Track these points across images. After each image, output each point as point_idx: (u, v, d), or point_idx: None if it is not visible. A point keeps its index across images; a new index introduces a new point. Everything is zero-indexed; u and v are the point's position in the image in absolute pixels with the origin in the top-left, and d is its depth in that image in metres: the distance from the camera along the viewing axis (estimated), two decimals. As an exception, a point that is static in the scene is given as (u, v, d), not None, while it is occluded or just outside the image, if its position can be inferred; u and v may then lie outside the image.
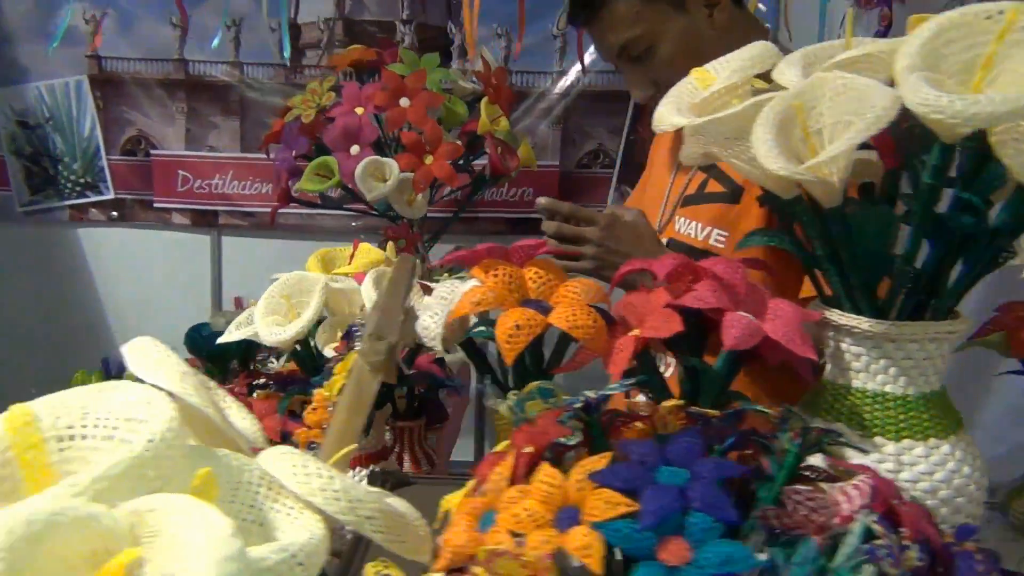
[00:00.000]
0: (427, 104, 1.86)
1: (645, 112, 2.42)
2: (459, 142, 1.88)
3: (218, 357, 1.39)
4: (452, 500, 0.59)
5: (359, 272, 1.25)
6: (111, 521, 0.43)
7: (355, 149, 1.86)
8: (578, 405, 0.59)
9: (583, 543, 0.47)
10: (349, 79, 1.99)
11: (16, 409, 0.50)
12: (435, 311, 0.78)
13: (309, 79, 2.24)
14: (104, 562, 0.42)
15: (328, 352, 1.12)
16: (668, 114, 0.79)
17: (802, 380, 0.72)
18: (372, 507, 0.50)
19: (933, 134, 0.62)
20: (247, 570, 0.40)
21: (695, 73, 0.81)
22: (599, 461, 0.51)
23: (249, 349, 1.45)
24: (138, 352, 0.59)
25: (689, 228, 1.20)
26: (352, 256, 1.30)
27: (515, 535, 0.50)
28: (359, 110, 1.87)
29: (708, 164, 1.20)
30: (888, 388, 0.72)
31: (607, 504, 0.48)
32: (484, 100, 1.94)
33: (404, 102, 1.87)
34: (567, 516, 0.50)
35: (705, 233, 1.18)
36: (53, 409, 0.50)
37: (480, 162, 2.00)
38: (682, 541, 0.47)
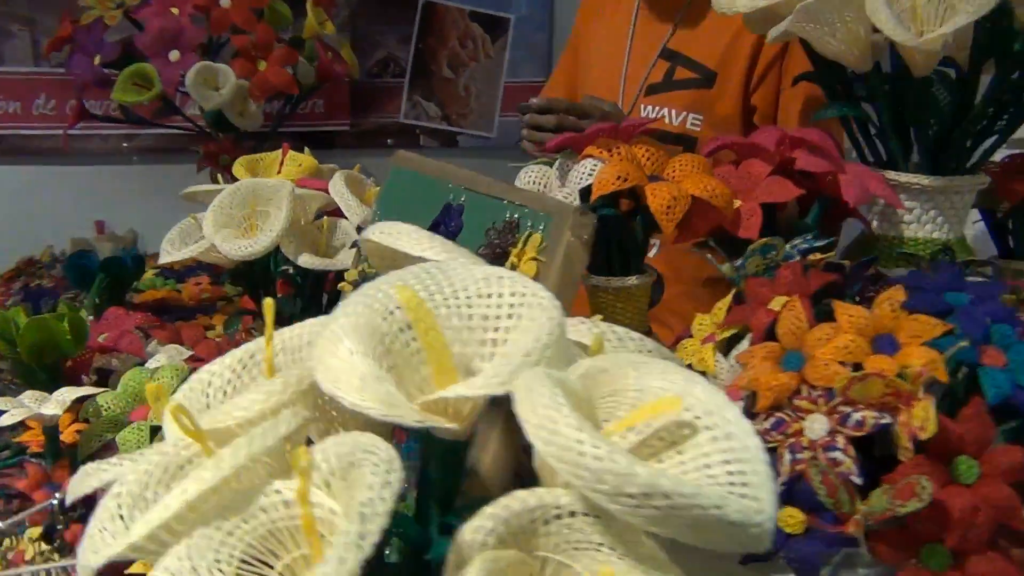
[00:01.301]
0: (251, 4, 1.72)
1: (433, 19, 2.42)
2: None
3: (116, 283, 1.23)
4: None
5: (302, 179, 1.17)
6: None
7: (175, 55, 1.68)
8: (797, 258, 0.65)
9: (927, 358, 0.54)
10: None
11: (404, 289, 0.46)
12: (565, 193, 0.78)
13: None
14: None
15: (308, 263, 1.05)
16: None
17: None
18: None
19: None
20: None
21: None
22: (898, 292, 0.57)
23: (137, 272, 1.30)
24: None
25: (661, 115, 1.27)
26: (282, 163, 1.20)
27: (844, 364, 0.55)
28: (174, 10, 1.68)
29: (672, 52, 1.27)
30: (935, 235, 0.86)
31: (926, 326, 0.55)
32: (309, 2, 1.83)
33: (225, 1, 1.71)
34: (887, 342, 0.56)
35: (680, 118, 1.25)
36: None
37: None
38: (994, 348, 0.56)
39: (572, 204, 0.66)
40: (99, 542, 0.41)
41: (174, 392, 0.82)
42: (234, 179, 1.20)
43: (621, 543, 0.40)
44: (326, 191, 1.13)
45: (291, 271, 1.14)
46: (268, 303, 0.49)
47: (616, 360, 0.45)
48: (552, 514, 0.41)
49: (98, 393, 0.95)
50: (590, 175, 0.77)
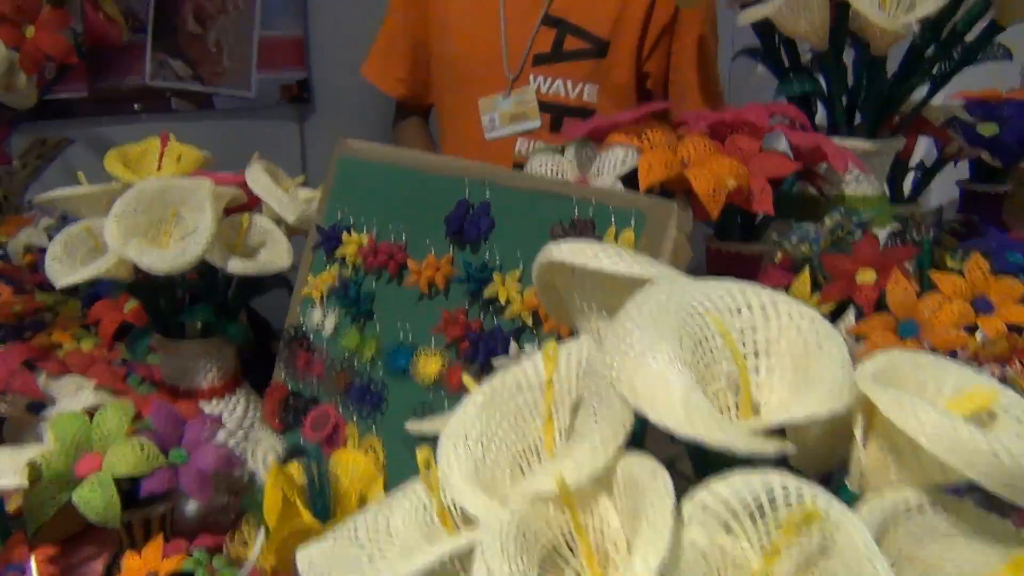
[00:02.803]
0: (4, -43, 1.46)
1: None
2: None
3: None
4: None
5: (194, 172, 1.03)
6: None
7: (-86, 19, 1.39)
8: (859, 232, 0.71)
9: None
10: None
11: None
12: (604, 184, 0.77)
13: None
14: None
15: (240, 269, 0.94)
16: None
17: None
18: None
19: None
20: None
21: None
22: (981, 259, 0.66)
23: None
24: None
25: (556, 87, 1.25)
26: (161, 156, 1.05)
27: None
28: (-96, -36, 1.38)
29: (555, 20, 1.25)
30: (870, 191, 0.97)
31: (1011, 286, 0.65)
32: (72, -47, 1.59)
33: (-31, -47, 1.43)
34: (984, 304, 0.64)
35: (577, 90, 1.25)
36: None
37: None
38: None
39: (671, 200, 0.67)
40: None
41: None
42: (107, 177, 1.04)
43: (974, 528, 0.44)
44: (238, 183, 1.01)
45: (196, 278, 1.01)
46: (550, 347, 0.46)
47: (899, 355, 0.48)
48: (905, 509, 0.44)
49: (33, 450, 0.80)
50: (624, 162, 0.77)
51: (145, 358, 1.03)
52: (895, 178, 1.12)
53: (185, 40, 2.25)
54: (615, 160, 0.78)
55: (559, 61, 1.28)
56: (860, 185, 0.96)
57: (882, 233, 0.85)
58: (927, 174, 1.15)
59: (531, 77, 1.28)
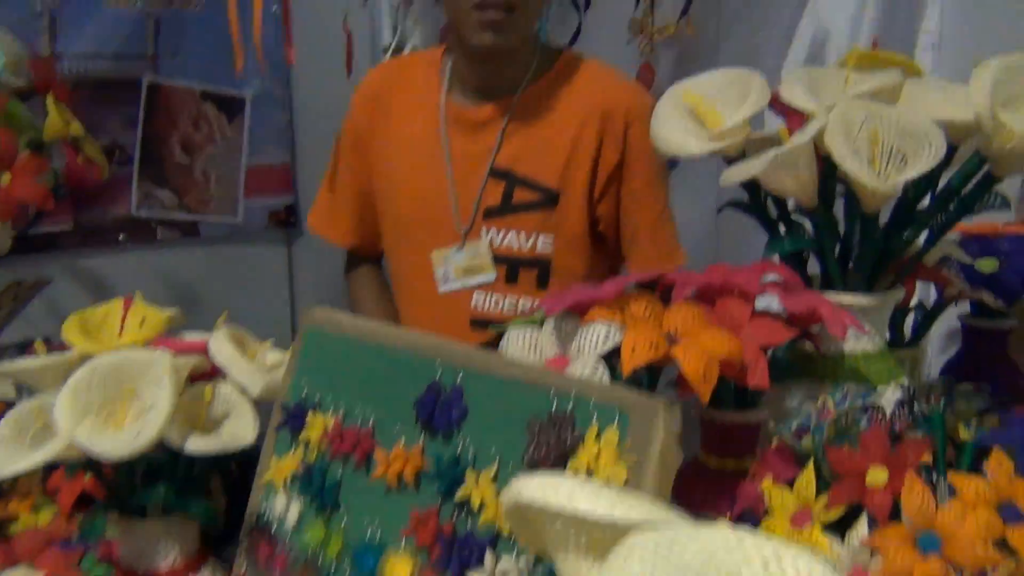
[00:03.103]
0: (-22, 105, 1.45)
1: (160, 101, 2.17)
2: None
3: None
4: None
5: (161, 340, 0.98)
6: None
7: None
8: (863, 424, 0.65)
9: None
10: None
11: None
12: (585, 364, 0.71)
13: None
14: None
15: (200, 448, 0.87)
16: (692, 143, 0.85)
17: None
18: None
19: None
20: None
21: (688, 99, 0.87)
22: (1004, 457, 0.60)
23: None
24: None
25: (509, 239, 1.21)
26: (123, 320, 1.00)
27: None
28: None
29: (503, 172, 1.22)
30: (868, 347, 0.92)
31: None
32: (50, 97, 1.58)
33: (-57, 104, 1.42)
34: (1012, 512, 0.58)
35: (531, 241, 1.21)
36: None
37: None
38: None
39: (657, 398, 0.61)
40: None
41: None
42: (61, 346, 0.98)
43: None
44: (201, 351, 0.95)
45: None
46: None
47: None
48: None
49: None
50: (607, 340, 0.72)
51: (104, 534, 0.96)
52: (895, 321, 1.07)
53: (172, 170, 2.24)
54: (597, 337, 0.73)
55: (509, 214, 1.23)
56: (860, 341, 0.91)
57: (888, 400, 0.79)
58: (928, 317, 1.09)
59: (483, 230, 1.24)
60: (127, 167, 2.19)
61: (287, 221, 2.36)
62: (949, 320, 1.24)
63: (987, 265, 1.17)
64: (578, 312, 0.76)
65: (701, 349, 0.72)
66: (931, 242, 0.91)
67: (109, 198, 2.15)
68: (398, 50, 2.13)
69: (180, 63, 2.15)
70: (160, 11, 2.15)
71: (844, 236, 0.91)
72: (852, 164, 0.77)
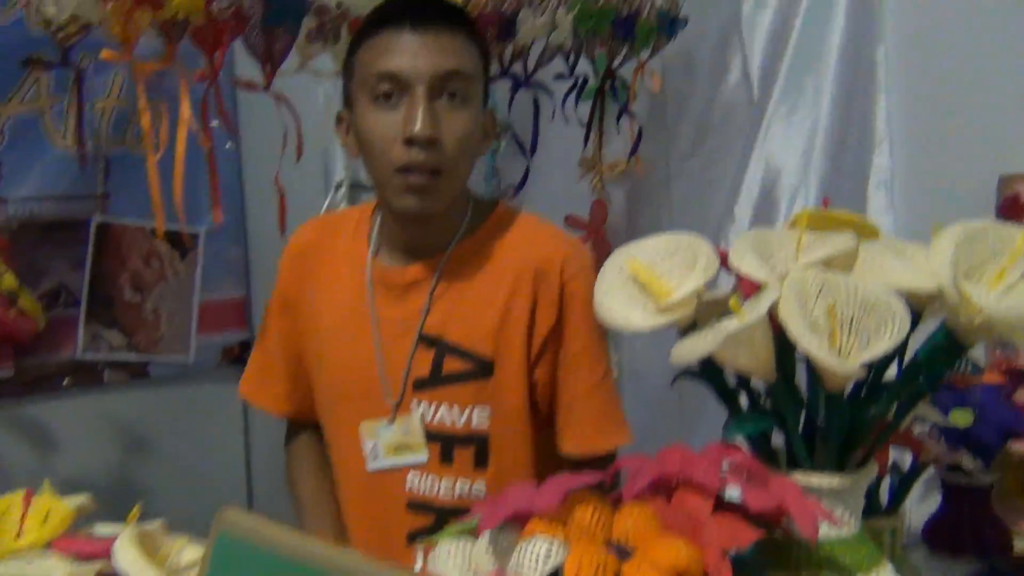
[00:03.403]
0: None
1: (109, 240, 2.10)
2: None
3: None
4: None
5: (64, 541, 0.88)
6: None
7: None
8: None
9: None
10: None
11: None
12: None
13: None
14: None
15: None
16: (637, 316, 0.79)
17: None
18: None
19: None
20: None
21: (633, 268, 0.82)
22: None
23: None
24: None
25: (441, 414, 1.10)
26: (23, 516, 0.90)
27: None
28: None
29: (432, 339, 1.11)
30: (845, 532, 0.84)
31: None
32: (-20, 253, 1.52)
33: None
34: None
35: (466, 416, 1.09)
36: None
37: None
38: None
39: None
40: None
41: None
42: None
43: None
44: (105, 555, 0.86)
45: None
46: None
47: None
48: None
49: None
50: (549, 558, 0.64)
51: None
52: (870, 489, 0.99)
53: (121, 309, 2.16)
54: (537, 555, 0.64)
55: (440, 385, 1.10)
56: (834, 527, 0.83)
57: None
58: (904, 482, 1.02)
59: (413, 402, 1.11)
60: (73, 308, 2.11)
61: (240, 357, 2.27)
62: (928, 476, 1.17)
63: (962, 419, 1.11)
64: (517, 523, 0.68)
65: (654, 566, 0.64)
66: (901, 416, 0.85)
67: (53, 342, 2.05)
68: (353, 186, 2.10)
69: (131, 200, 2.10)
70: (111, 150, 2.10)
71: (809, 406, 0.84)
72: (811, 343, 0.71)
